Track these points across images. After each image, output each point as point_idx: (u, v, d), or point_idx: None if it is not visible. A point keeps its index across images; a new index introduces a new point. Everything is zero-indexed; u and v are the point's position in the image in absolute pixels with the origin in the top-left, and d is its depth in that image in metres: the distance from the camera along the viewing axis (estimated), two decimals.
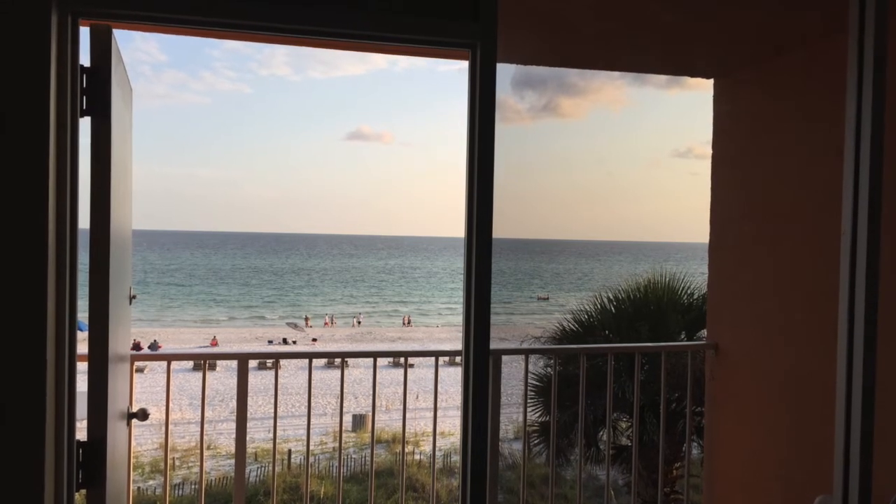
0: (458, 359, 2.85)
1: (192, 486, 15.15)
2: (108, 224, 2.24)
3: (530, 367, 7.07)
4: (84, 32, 2.20)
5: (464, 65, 2.55)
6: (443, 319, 49.82)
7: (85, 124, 2.21)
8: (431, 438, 3.84)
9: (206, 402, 3.47)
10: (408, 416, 3.76)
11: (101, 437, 2.24)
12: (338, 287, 65.84)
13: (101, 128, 2.22)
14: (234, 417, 3.45)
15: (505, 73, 2.76)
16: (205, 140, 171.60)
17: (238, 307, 52.86)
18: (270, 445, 3.65)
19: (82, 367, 2.27)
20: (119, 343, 2.51)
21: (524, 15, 2.83)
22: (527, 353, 3.92)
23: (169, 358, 3.39)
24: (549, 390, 6.97)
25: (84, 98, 2.20)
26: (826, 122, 3.00)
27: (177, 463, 16.59)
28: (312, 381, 3.54)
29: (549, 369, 7.54)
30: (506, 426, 13.91)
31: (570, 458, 7.90)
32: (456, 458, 16.10)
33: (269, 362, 23.76)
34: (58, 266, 2.11)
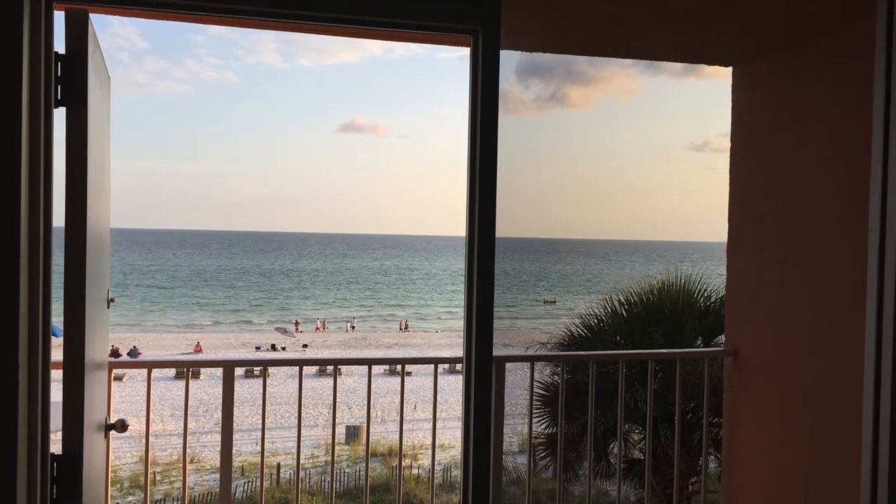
0: (458, 366, 2.85)
1: (175, 503, 15.15)
2: (84, 222, 2.24)
3: (536, 376, 7.08)
4: (59, 17, 2.20)
5: (465, 52, 2.55)
6: (442, 324, 49.83)
7: (59, 115, 2.21)
8: (430, 451, 3.84)
9: (189, 412, 3.47)
10: (405, 427, 3.76)
11: (76, 450, 2.23)
12: (330, 289, 65.87)
13: (77, 119, 2.22)
14: (220, 429, 3.45)
15: (509, 60, 2.76)
16: (188, 132, 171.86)
17: (223, 311, 52.89)
18: (258, 459, 3.65)
19: (57, 375, 2.27)
20: (96, 349, 2.51)
21: None
22: (532, 360, 3.92)
23: (149, 365, 3.40)
24: (556, 400, 6.97)
25: (58, 87, 2.20)
26: (853, 112, 3.00)
27: (158, 477, 16.60)
28: (303, 391, 3.54)
29: (556, 377, 7.53)
30: (510, 438, 13.97)
31: (578, 472, 7.89)
32: (457, 473, 16.10)
33: (257, 370, 23.74)
34: (30, 267, 2.10)
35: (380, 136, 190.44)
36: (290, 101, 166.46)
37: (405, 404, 3.70)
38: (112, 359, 3.06)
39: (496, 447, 3.12)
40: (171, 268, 76.92)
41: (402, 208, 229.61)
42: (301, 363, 3.64)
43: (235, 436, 3.44)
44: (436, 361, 3.74)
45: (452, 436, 18.78)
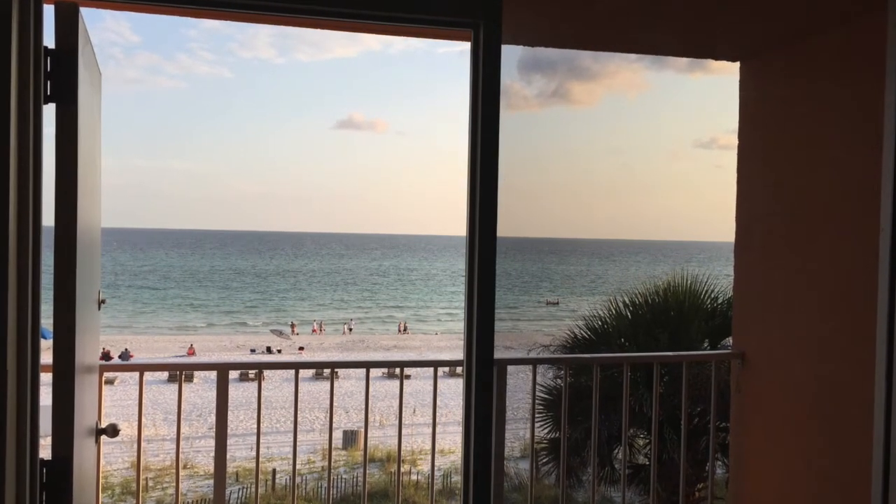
0: (459, 369, 2.86)
1: None
2: (74, 222, 2.24)
3: (538, 379, 7.07)
4: (48, 11, 2.20)
5: (465, 46, 2.56)
6: (442, 326, 49.84)
7: (49, 112, 2.21)
8: (430, 457, 3.84)
9: (182, 416, 3.47)
10: (404, 432, 3.77)
11: (66, 455, 2.24)
12: (327, 291, 65.90)
13: (67, 116, 2.22)
14: (213, 434, 3.45)
15: (510, 55, 2.76)
16: (181, 129, 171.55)
17: (217, 312, 52.88)
18: (253, 464, 3.65)
19: (46, 378, 2.27)
20: (86, 352, 2.51)
21: None
22: (535, 363, 3.92)
23: (141, 368, 3.40)
24: (559, 404, 6.97)
25: (48, 83, 2.20)
26: (864, 109, 3.00)
27: (150, 484, 16.59)
28: (299, 394, 3.54)
29: (559, 381, 7.54)
30: (511, 443, 13.98)
31: (582, 478, 7.89)
32: (457, 479, 16.10)
33: (252, 373, 23.75)
34: (19, 268, 2.10)
35: (378, 132, 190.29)
36: (286, 96, 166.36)
37: (404, 408, 3.70)
38: (103, 361, 3.06)
39: (497, 452, 3.12)
40: (164, 268, 76.92)
41: (401, 207, 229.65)
42: (297, 366, 3.64)
43: (230, 440, 3.44)
44: (435, 364, 3.74)
45: (452, 441, 18.77)
